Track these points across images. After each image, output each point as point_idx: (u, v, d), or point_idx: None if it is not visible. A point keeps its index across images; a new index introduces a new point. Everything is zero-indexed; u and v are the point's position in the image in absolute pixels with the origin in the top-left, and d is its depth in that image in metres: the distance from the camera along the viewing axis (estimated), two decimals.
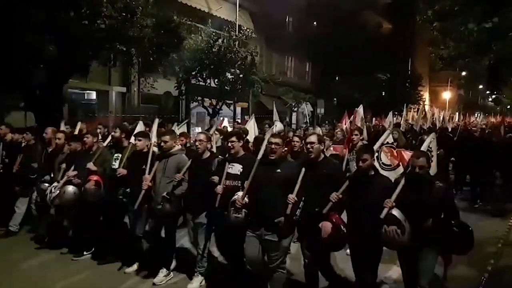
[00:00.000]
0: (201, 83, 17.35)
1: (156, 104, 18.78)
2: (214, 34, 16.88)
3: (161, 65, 14.14)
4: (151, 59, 12.63)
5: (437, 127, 14.06)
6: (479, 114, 27.49)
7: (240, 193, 4.53)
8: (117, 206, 5.71)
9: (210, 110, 17.89)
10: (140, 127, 6.93)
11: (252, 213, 4.48)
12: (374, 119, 17.20)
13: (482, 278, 5.46)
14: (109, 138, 6.55)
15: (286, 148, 6.00)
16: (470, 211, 8.98)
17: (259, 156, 4.58)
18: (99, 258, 5.99)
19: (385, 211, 3.89)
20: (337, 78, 30.96)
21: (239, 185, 4.70)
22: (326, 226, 4.13)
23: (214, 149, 6.15)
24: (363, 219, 4.12)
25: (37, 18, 8.68)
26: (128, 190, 5.53)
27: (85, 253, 6.11)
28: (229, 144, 5.02)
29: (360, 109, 11.74)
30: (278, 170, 4.42)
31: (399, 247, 4.07)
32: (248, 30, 18.74)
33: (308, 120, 17.73)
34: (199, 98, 18.11)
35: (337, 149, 8.12)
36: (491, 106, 58.96)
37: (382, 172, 5.15)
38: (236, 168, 4.88)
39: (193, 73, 16.80)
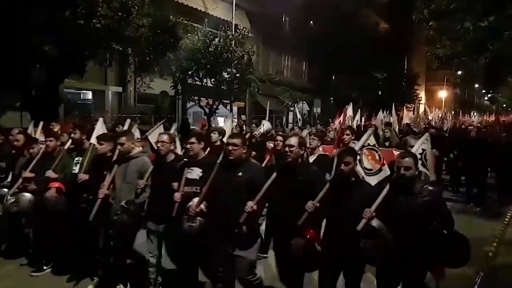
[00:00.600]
0: (197, 82, 17.32)
1: (152, 103, 18.76)
2: (210, 33, 16.85)
3: (157, 65, 14.11)
4: (148, 58, 12.62)
5: (428, 126, 13.83)
6: (474, 113, 27.57)
7: (196, 200, 4.15)
8: (79, 215, 4.97)
9: (207, 110, 17.87)
10: (100, 126, 6.24)
11: (209, 222, 4.09)
12: (363, 118, 17.03)
13: (478, 277, 5.47)
14: (69, 140, 5.96)
15: (258, 151, 6.10)
16: (465, 210, 9.14)
17: (220, 158, 4.22)
18: (59, 273, 5.45)
19: (362, 222, 3.56)
20: (334, 77, 31.00)
21: (199, 191, 4.25)
22: (297, 244, 3.76)
23: (178, 151, 5.62)
24: (342, 230, 3.75)
25: (35, 18, 8.65)
26: (91, 197, 4.94)
27: (44, 268, 5.57)
28: (188, 146, 4.61)
29: (349, 108, 11.53)
30: (239, 174, 4.03)
31: (379, 263, 3.76)
32: (244, 29, 18.72)
33: (299, 120, 17.64)
34: (195, 97, 18.08)
35: (327, 149, 8.10)
36: (487, 105, 59.24)
37: (365, 177, 4.96)
38: (195, 173, 4.48)
39: (190, 72, 16.77)
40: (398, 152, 8.11)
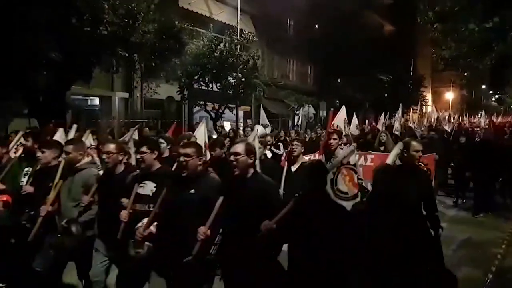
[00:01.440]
0: (203, 87, 17.41)
1: (159, 109, 18.86)
2: (215, 38, 16.95)
3: (163, 70, 14.23)
4: (154, 64, 12.73)
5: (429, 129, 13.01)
6: (481, 114, 27.27)
7: (145, 220, 3.53)
8: (22, 233, 4.28)
9: (213, 114, 17.94)
10: (60, 136, 5.68)
11: (158, 248, 3.45)
12: (367, 121, 16.67)
13: (487, 279, 5.44)
14: (21, 148, 5.53)
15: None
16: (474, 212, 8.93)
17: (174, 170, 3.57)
18: None
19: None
20: (339, 80, 30.98)
21: (152, 209, 3.61)
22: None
23: (133, 161, 4.86)
24: (307, 257, 3.16)
25: (42, 25, 8.76)
26: (33, 213, 4.28)
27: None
28: (138, 156, 3.89)
29: (343, 110, 11.47)
30: (192, 191, 3.41)
31: None
32: (249, 33, 18.81)
33: (298, 125, 17.59)
34: (201, 102, 18.16)
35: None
36: (494, 106, 58.81)
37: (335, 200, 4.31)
38: (148, 188, 3.81)
39: (195, 77, 16.86)
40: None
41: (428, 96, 47.56)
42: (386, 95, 33.24)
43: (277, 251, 3.37)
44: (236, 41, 17.42)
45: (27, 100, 10.58)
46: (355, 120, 13.32)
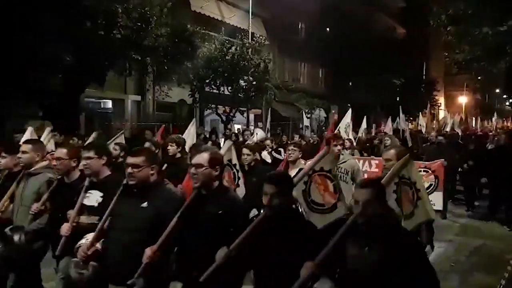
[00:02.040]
0: (214, 90, 17.48)
1: (170, 112, 18.98)
2: (227, 42, 17.03)
3: (175, 74, 14.35)
4: (166, 67, 12.87)
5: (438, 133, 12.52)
6: (494, 118, 26.92)
7: (90, 236, 3.09)
8: None
9: (224, 118, 18.00)
10: (29, 134, 5.40)
11: (104, 269, 3.01)
12: (374, 125, 16.36)
13: (500, 286, 5.37)
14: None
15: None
16: (486, 218, 8.73)
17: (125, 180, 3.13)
18: None
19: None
20: (350, 83, 30.86)
21: (98, 222, 3.17)
22: None
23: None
24: (273, 283, 2.70)
25: (58, 30, 8.90)
26: None
27: None
28: (84, 163, 3.48)
29: (348, 114, 10.86)
30: (144, 204, 3.00)
31: None
32: (261, 37, 18.85)
33: (304, 127, 17.33)
34: (213, 105, 18.24)
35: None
36: (508, 110, 58.00)
37: (310, 214, 3.86)
38: (93, 198, 3.39)
39: (207, 81, 16.95)
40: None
41: (441, 100, 47.08)
42: (398, 98, 32.99)
43: (238, 282, 2.92)
44: (247, 44, 17.48)
45: (42, 103, 10.75)
46: (364, 124, 13.20)
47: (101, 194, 3.39)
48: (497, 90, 52.57)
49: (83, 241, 3.10)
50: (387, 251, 2.51)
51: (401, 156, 4.01)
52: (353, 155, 8.34)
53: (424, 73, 41.95)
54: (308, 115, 27.30)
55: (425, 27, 33.25)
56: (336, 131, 11.57)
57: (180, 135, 7.26)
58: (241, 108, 18.51)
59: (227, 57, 16.60)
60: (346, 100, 30.23)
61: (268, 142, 9.23)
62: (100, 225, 3.09)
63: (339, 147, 5.42)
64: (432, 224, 5.37)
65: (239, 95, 17.52)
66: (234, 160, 5.05)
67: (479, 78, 40.45)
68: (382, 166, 7.75)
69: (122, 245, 2.96)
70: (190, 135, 7.94)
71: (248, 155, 5.44)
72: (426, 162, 7.59)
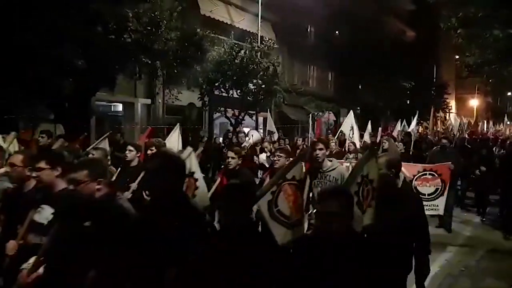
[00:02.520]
0: (224, 94, 17.55)
1: (180, 115, 19.09)
2: (236, 45, 17.10)
3: (185, 77, 14.44)
4: (175, 71, 12.95)
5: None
6: (505, 121, 26.64)
7: (32, 260, 2.68)
8: None
9: (233, 121, 18.06)
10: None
11: None
12: (380, 128, 15.94)
13: None
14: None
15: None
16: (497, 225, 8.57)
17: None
18: None
19: None
20: (360, 86, 30.75)
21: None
22: None
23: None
24: None
25: (70, 34, 9.01)
26: None
27: None
28: (34, 174, 3.12)
29: (350, 116, 10.62)
30: (87, 223, 2.56)
31: None
32: (270, 40, 18.90)
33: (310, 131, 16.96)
34: (222, 108, 18.32)
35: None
36: None
37: (272, 225, 3.36)
38: (44, 214, 2.98)
39: (216, 84, 17.02)
40: (403, 166, 7.63)
41: (452, 103, 46.67)
42: (408, 102, 32.79)
43: None
44: (256, 48, 17.53)
45: (53, 106, 10.88)
46: (369, 128, 13.05)
47: (52, 210, 2.95)
48: (509, 93, 51.92)
49: (24, 265, 2.70)
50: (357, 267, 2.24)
51: (392, 165, 3.81)
52: (356, 159, 8.19)
53: (434, 76, 41.63)
54: (316, 118, 27.32)
55: (435, 30, 33.04)
56: (339, 134, 11.52)
57: (161, 139, 6.90)
58: (250, 111, 18.55)
59: (236, 61, 16.67)
60: (355, 104, 30.15)
61: (266, 144, 9.00)
62: (43, 247, 2.66)
63: (318, 151, 4.71)
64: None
65: (248, 98, 17.56)
66: (194, 168, 4.65)
67: (490, 81, 39.99)
68: None
69: (65, 273, 2.52)
70: (174, 141, 7.28)
71: (232, 158, 5.11)
72: (432, 165, 7.49)
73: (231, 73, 16.71)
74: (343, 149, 9.73)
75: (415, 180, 7.25)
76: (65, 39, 9.19)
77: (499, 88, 43.27)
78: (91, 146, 6.30)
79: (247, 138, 9.61)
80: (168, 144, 6.67)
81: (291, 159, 4.74)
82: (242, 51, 16.99)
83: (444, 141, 9.01)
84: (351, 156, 8.77)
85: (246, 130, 17.89)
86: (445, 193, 7.01)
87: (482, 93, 51.92)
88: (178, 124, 8.02)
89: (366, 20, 27.15)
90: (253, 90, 17.47)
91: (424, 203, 7.14)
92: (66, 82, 10.11)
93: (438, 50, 41.03)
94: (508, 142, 12.77)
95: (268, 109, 16.94)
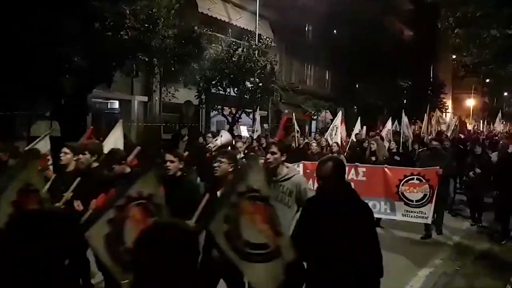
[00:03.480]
0: (221, 92, 17.53)
1: (177, 113, 19.05)
2: (234, 43, 17.07)
3: (182, 75, 14.40)
4: (173, 68, 12.91)
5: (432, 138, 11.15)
6: (498, 120, 26.73)
7: None
8: None
9: (230, 119, 18.04)
10: None
11: None
12: (365, 127, 15.16)
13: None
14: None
15: None
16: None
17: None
18: None
19: None
20: (357, 85, 30.80)
21: None
22: None
23: None
24: None
25: (68, 31, 8.97)
26: None
27: None
28: None
29: (338, 115, 10.04)
30: None
31: None
32: (267, 39, 18.88)
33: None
34: (219, 106, 18.30)
35: (308, 166, 7.38)
36: None
37: (243, 266, 2.57)
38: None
39: (213, 82, 16.99)
40: (389, 170, 7.31)
41: (449, 103, 46.81)
42: (405, 101, 32.87)
43: None
44: (254, 46, 17.50)
45: (49, 103, 10.83)
46: (357, 126, 12.35)
47: None
48: (506, 94, 52.16)
49: None
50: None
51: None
52: None
53: (431, 76, 41.75)
54: (315, 117, 27.34)
55: (433, 30, 33.12)
56: (316, 135, 11.07)
57: (97, 141, 6.21)
58: (247, 110, 18.54)
59: (233, 59, 16.64)
60: (353, 103, 30.19)
61: (240, 144, 7.84)
62: None
63: (270, 156, 3.90)
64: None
65: (245, 96, 17.55)
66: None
67: (487, 81, 40.12)
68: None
69: None
70: (112, 142, 6.54)
71: (171, 162, 4.06)
72: (419, 169, 7.32)
73: (229, 71, 16.68)
74: (324, 150, 9.31)
75: (402, 185, 7.18)
76: (62, 36, 9.14)
77: (496, 88, 43.43)
78: (28, 146, 5.68)
79: (214, 140, 8.16)
80: (106, 146, 5.77)
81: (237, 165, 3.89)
82: (240, 49, 16.96)
83: (434, 143, 8.44)
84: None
85: (243, 128, 17.93)
86: (433, 200, 6.93)
87: (479, 93, 52.12)
88: (120, 120, 7.46)
89: (364, 20, 27.17)
90: (251, 88, 17.45)
91: (412, 209, 7.12)
92: (63, 79, 10.06)
93: (436, 50, 41.12)
94: (497, 141, 12.61)
95: (256, 107, 16.14)
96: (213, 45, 16.20)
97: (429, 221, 7.07)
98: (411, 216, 7.14)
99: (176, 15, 11.59)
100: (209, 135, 9.12)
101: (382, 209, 7.40)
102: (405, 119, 12.11)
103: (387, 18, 32.56)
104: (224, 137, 7.82)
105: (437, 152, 8.20)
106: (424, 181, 6.99)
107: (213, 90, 17.46)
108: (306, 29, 28.69)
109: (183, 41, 12.28)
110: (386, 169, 7.42)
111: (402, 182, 7.15)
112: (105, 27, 9.73)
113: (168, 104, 18.07)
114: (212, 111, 19.56)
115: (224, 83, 17.17)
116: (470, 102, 51.17)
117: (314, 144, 9.01)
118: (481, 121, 48.03)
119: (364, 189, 7.19)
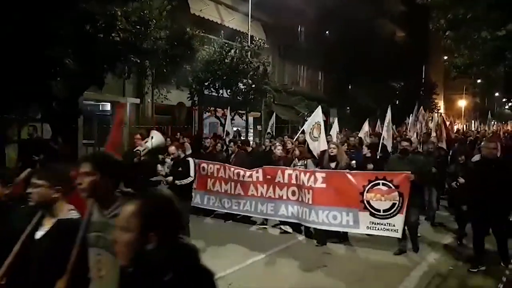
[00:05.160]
0: (213, 93, 17.50)
1: (169, 115, 18.99)
2: (226, 45, 17.06)
3: (174, 76, 14.36)
4: (165, 70, 12.88)
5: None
6: (494, 122, 26.85)
7: None
8: None
9: (223, 121, 18.02)
10: None
11: None
12: (344, 129, 14.33)
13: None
14: None
15: None
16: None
17: None
18: None
19: None
20: (350, 87, 30.92)
21: None
22: None
23: None
24: None
25: (58, 33, 8.89)
26: None
27: None
28: None
29: (318, 112, 9.09)
30: None
31: None
32: (260, 40, 18.90)
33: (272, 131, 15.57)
34: (211, 108, 18.27)
35: (269, 172, 6.84)
36: (507, 114, 58.09)
37: None
38: None
39: (206, 83, 16.97)
40: (352, 175, 6.38)
41: (441, 103, 47.18)
42: (397, 102, 33.05)
43: None
44: (246, 47, 17.52)
45: (40, 106, 10.73)
46: (335, 127, 11.64)
47: None
48: (497, 94, 52.62)
49: None
50: None
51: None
52: (305, 166, 7.33)
53: (423, 77, 42.06)
54: (307, 118, 27.35)
55: (425, 31, 33.36)
56: (286, 138, 10.45)
57: None
58: (240, 111, 18.53)
59: (226, 60, 16.63)
60: (345, 104, 30.30)
61: (172, 149, 6.68)
62: None
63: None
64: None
65: (238, 98, 17.54)
66: None
67: (478, 81, 40.52)
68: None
69: None
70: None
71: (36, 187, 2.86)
72: (385, 172, 6.46)
73: (221, 73, 16.67)
74: (289, 155, 8.19)
75: (367, 192, 6.32)
76: (54, 38, 9.06)
77: (487, 89, 43.81)
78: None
79: (144, 142, 7.17)
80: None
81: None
82: (232, 51, 16.96)
83: (404, 143, 6.81)
84: (299, 163, 7.53)
85: (235, 130, 17.89)
86: (404, 210, 6.06)
87: (470, 94, 52.60)
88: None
89: (357, 21, 27.28)
90: (243, 90, 17.45)
91: (378, 221, 6.23)
92: (55, 81, 9.97)
93: (428, 51, 41.46)
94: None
95: (229, 108, 15.56)
96: (206, 46, 16.17)
97: (399, 235, 6.15)
98: (378, 229, 6.28)
99: (168, 17, 11.55)
100: (138, 136, 7.70)
101: (344, 221, 6.50)
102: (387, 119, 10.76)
103: (379, 20, 32.74)
104: (155, 138, 6.95)
105: (409, 154, 6.75)
106: (392, 187, 6.14)
107: (205, 92, 17.44)
108: (299, 30, 28.76)
109: (175, 42, 12.26)
110: (348, 174, 6.60)
111: (367, 188, 6.30)
112: (96, 29, 9.66)
113: (161, 106, 17.99)
114: (205, 113, 19.52)
115: (216, 85, 17.15)
116: (462, 103, 51.65)
117: (279, 148, 7.86)
118: (473, 121, 48.39)
119: (323, 197, 6.63)
